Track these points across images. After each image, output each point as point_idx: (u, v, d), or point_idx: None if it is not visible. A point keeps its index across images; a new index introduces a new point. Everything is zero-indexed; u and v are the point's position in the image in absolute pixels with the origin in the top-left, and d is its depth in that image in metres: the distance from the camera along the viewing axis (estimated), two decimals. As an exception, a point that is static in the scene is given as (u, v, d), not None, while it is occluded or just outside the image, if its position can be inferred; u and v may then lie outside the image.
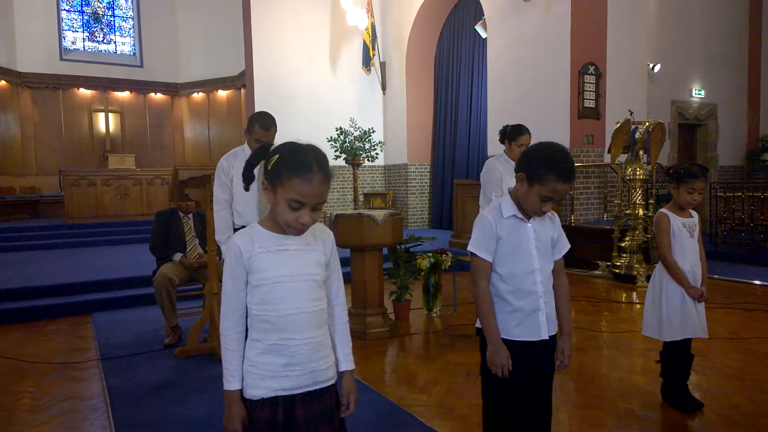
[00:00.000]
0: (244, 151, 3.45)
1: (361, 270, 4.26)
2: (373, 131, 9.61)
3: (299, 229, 1.37)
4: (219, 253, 3.78)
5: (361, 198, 10.45)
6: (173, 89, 14.46)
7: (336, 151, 9.14)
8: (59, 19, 13.41)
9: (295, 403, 1.39)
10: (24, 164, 12.74)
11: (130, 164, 12.55)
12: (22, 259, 7.60)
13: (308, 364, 1.40)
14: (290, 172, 1.31)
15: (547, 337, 1.83)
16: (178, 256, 4.29)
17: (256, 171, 1.42)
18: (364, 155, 9.36)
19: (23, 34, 12.70)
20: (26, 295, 5.29)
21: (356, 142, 9.28)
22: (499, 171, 3.93)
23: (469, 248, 1.85)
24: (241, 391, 1.41)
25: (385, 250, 4.55)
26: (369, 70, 10.73)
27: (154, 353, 3.92)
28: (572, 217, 7.32)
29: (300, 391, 1.40)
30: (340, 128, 9.33)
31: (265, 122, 3.31)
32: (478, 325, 1.89)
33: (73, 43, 13.74)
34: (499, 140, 4.08)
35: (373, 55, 10.64)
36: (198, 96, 14.49)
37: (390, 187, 11.42)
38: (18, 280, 5.70)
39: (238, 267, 1.39)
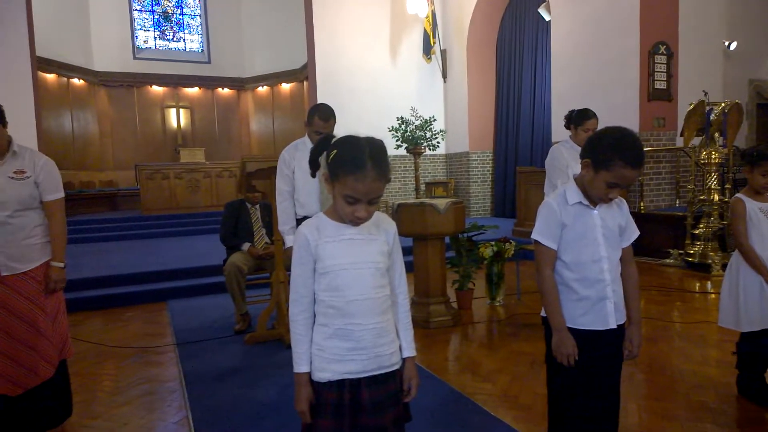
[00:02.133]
0: (305, 143, 3.52)
1: (423, 259, 4.28)
2: (434, 120, 9.56)
3: (356, 222, 1.43)
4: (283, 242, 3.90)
5: (422, 187, 10.44)
6: (239, 84, 14.89)
7: (397, 140, 9.17)
8: (131, 19, 14.05)
9: (361, 387, 1.44)
10: (102, 159, 13.52)
11: (200, 158, 13.04)
12: (101, 249, 8.09)
13: (373, 349, 1.44)
14: (345, 169, 1.35)
15: (615, 326, 1.79)
16: (246, 246, 4.44)
17: (321, 159, 1.47)
18: (425, 144, 9.33)
19: (98, 34, 13.35)
20: (106, 283, 5.62)
21: (417, 131, 9.27)
22: (565, 157, 3.82)
23: (533, 236, 1.83)
24: (309, 373, 1.47)
25: (447, 239, 4.54)
26: (429, 58, 10.66)
27: (226, 339, 4.09)
28: (641, 204, 7.01)
29: (365, 375, 1.44)
30: (401, 118, 9.34)
31: (324, 114, 3.37)
32: (543, 313, 1.87)
33: (145, 41, 14.38)
34: (565, 126, 3.97)
35: (434, 42, 10.55)
36: (263, 90, 14.86)
37: (451, 176, 11.34)
38: (98, 269, 6.07)
39: (306, 255, 1.45)
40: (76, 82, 12.89)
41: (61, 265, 2.58)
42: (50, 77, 11.92)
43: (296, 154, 3.46)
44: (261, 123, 15.03)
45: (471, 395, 2.88)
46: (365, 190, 1.36)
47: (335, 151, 1.39)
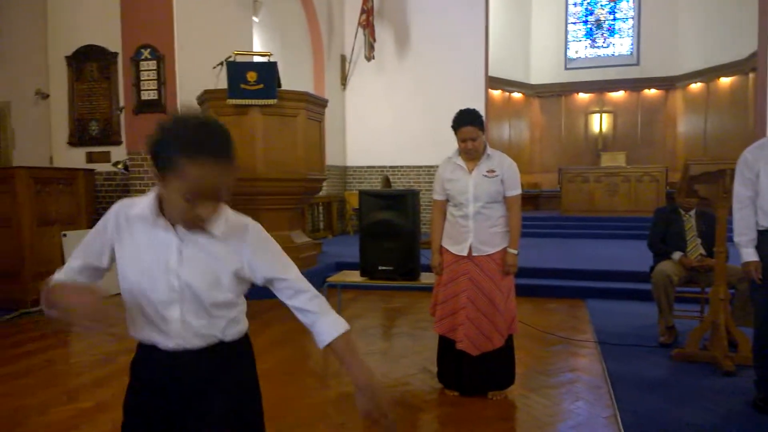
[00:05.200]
0: None
1: None
2: None
3: None
4: (727, 255, 3.49)
5: None
6: (668, 83, 13.90)
7: None
8: (566, 33, 14.94)
9: None
10: (531, 163, 14.83)
11: (620, 162, 12.82)
12: (525, 243, 8.73)
13: None
14: None
15: None
16: (677, 255, 4.14)
17: None
18: None
19: (537, 51, 14.76)
20: (533, 274, 6.18)
21: None
22: None
23: None
24: None
25: None
26: None
27: (649, 348, 3.94)
28: None
29: None
30: None
31: None
32: None
33: (576, 52, 15.02)
34: None
35: None
36: (695, 87, 13.43)
37: None
38: (525, 261, 6.67)
39: None
40: (515, 95, 14.55)
41: (516, 252, 3.02)
42: (496, 93, 13.78)
43: (761, 155, 2.95)
44: (690, 124, 13.62)
45: None
46: None
47: None
